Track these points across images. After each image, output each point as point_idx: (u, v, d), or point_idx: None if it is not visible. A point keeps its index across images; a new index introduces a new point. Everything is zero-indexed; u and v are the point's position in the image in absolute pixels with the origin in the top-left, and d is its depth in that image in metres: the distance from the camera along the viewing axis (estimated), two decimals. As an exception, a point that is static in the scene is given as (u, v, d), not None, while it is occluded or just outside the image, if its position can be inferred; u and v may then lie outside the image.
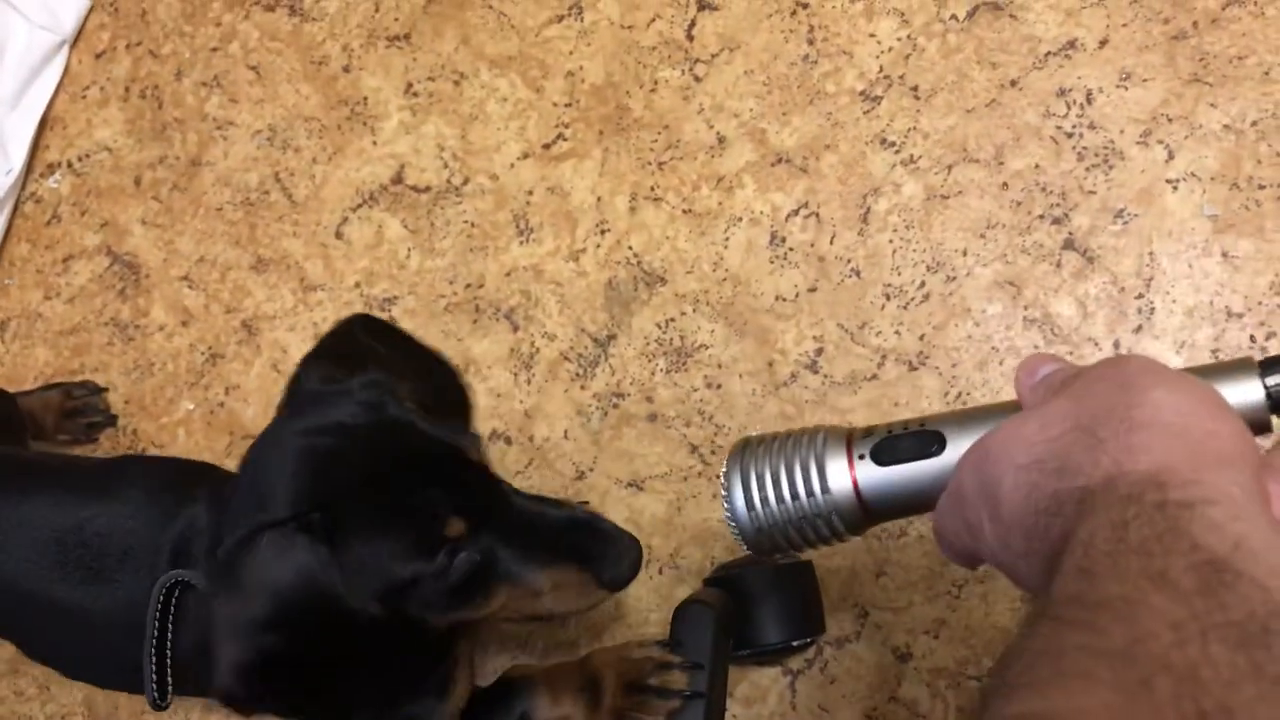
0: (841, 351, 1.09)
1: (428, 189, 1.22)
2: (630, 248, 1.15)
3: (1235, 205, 1.02)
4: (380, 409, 0.77)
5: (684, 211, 1.15)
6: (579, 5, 1.21)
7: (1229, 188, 1.02)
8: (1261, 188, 1.02)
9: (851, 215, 1.10)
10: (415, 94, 1.25)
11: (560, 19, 1.22)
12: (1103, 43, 1.07)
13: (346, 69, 1.27)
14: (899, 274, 1.08)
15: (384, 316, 1.20)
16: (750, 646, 1.00)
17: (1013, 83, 1.09)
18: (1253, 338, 1.00)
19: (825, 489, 0.62)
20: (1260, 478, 0.45)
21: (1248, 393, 0.54)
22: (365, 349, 0.84)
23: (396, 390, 0.79)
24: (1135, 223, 1.04)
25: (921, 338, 1.07)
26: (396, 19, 1.27)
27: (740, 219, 1.13)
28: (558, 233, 1.17)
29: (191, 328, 1.27)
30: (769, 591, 0.99)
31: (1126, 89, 1.06)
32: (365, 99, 1.26)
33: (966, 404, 1.05)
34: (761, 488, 0.63)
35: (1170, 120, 1.05)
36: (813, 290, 1.10)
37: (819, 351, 1.09)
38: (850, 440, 0.62)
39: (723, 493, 0.65)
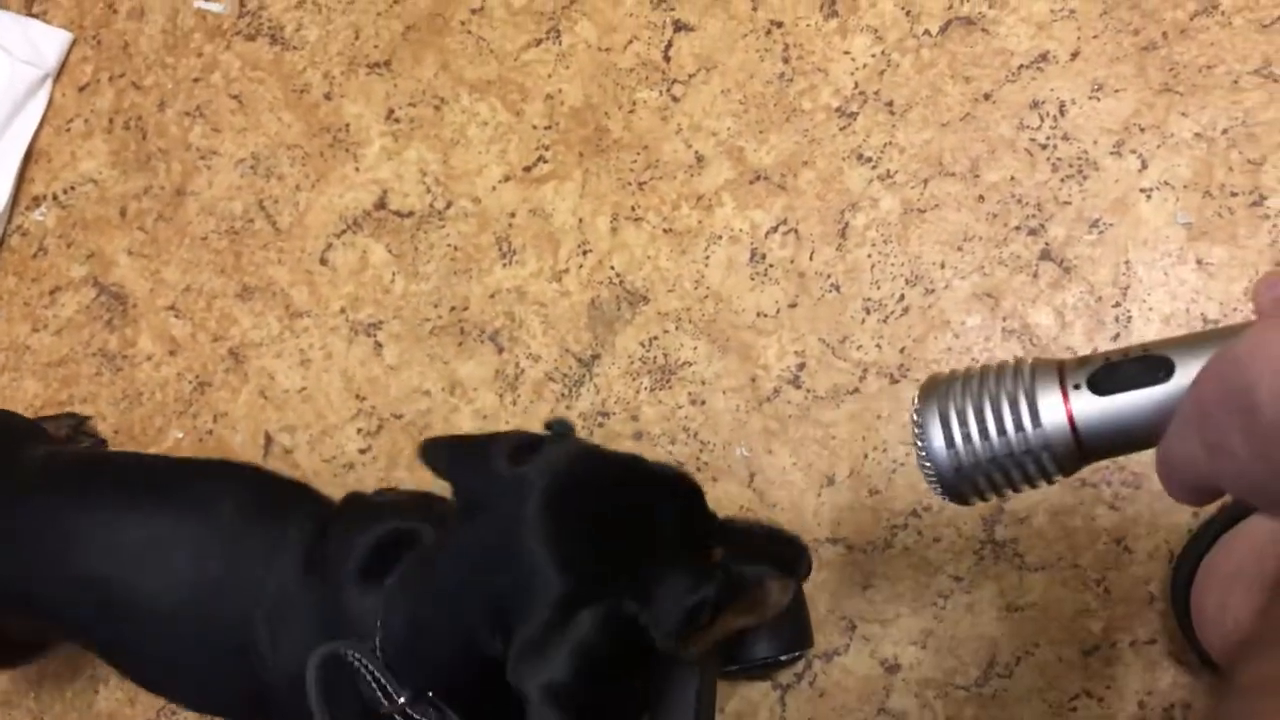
0: (823, 366, 1.09)
1: (411, 213, 1.23)
2: (612, 268, 1.16)
3: (1208, 213, 1.03)
4: (597, 455, 0.78)
5: (665, 231, 1.16)
6: (556, 29, 1.22)
7: (1202, 195, 1.03)
8: (1234, 195, 1.03)
9: (830, 231, 1.11)
10: (396, 120, 1.26)
11: (538, 42, 1.23)
12: (1074, 54, 1.09)
13: (328, 96, 1.28)
14: (878, 288, 1.09)
15: (369, 341, 1.21)
16: (739, 661, 1.01)
17: (986, 96, 1.10)
18: (1229, 343, 1.01)
19: (1037, 422, 0.55)
20: None
21: None
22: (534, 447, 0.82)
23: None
24: (1110, 232, 1.05)
25: (902, 351, 1.08)
26: (376, 46, 1.28)
27: (720, 237, 1.14)
28: (540, 254, 1.18)
29: (179, 357, 1.28)
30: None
31: (1099, 100, 1.07)
32: (347, 126, 1.27)
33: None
34: (964, 423, 0.56)
35: (1142, 130, 1.06)
36: (793, 306, 1.11)
37: (801, 366, 1.10)
38: (1063, 370, 0.56)
39: (915, 430, 0.58)
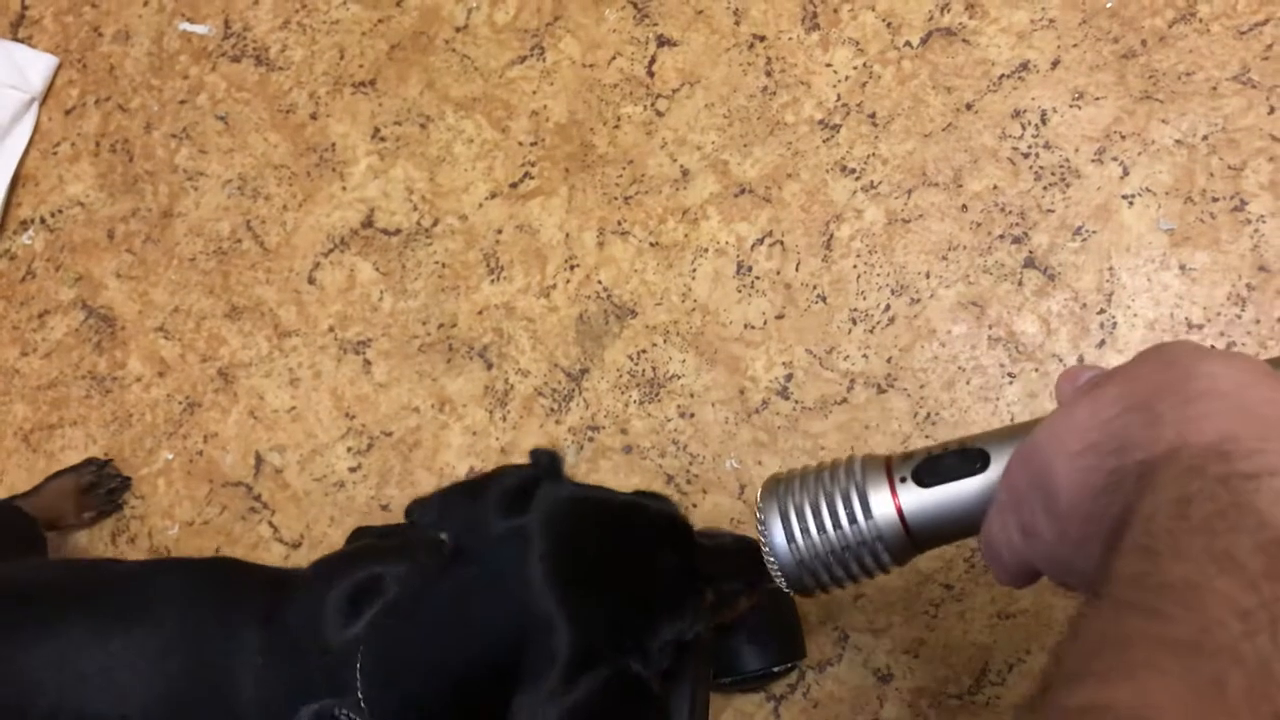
0: (811, 377, 1.10)
1: (398, 231, 1.23)
2: (600, 282, 1.16)
3: (1190, 219, 1.04)
4: (591, 500, 0.80)
5: (651, 245, 1.16)
6: (540, 45, 1.23)
7: (1183, 201, 1.04)
8: (1215, 200, 1.03)
9: (815, 242, 1.12)
10: (382, 138, 1.26)
11: (523, 60, 1.23)
12: (1055, 63, 1.09)
13: (314, 116, 1.29)
14: (864, 298, 1.10)
15: (358, 359, 1.22)
16: (733, 674, 1.01)
17: (968, 106, 1.11)
18: (1213, 348, 1.01)
19: (868, 514, 0.59)
20: None
21: None
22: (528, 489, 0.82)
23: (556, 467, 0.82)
24: (1094, 239, 1.05)
25: (889, 360, 1.08)
26: (361, 65, 1.28)
27: (706, 250, 1.15)
28: (528, 270, 1.19)
29: (168, 378, 1.28)
30: (749, 618, 1.00)
31: (1080, 108, 1.08)
32: (333, 145, 1.27)
33: (935, 424, 1.06)
34: (801, 518, 0.60)
35: (1123, 137, 1.07)
36: (780, 317, 1.11)
37: (789, 377, 1.10)
38: (890, 465, 0.60)
39: (759, 529, 0.61)
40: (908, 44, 1.13)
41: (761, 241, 1.13)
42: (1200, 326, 1.02)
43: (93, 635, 0.86)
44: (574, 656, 0.70)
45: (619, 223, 1.17)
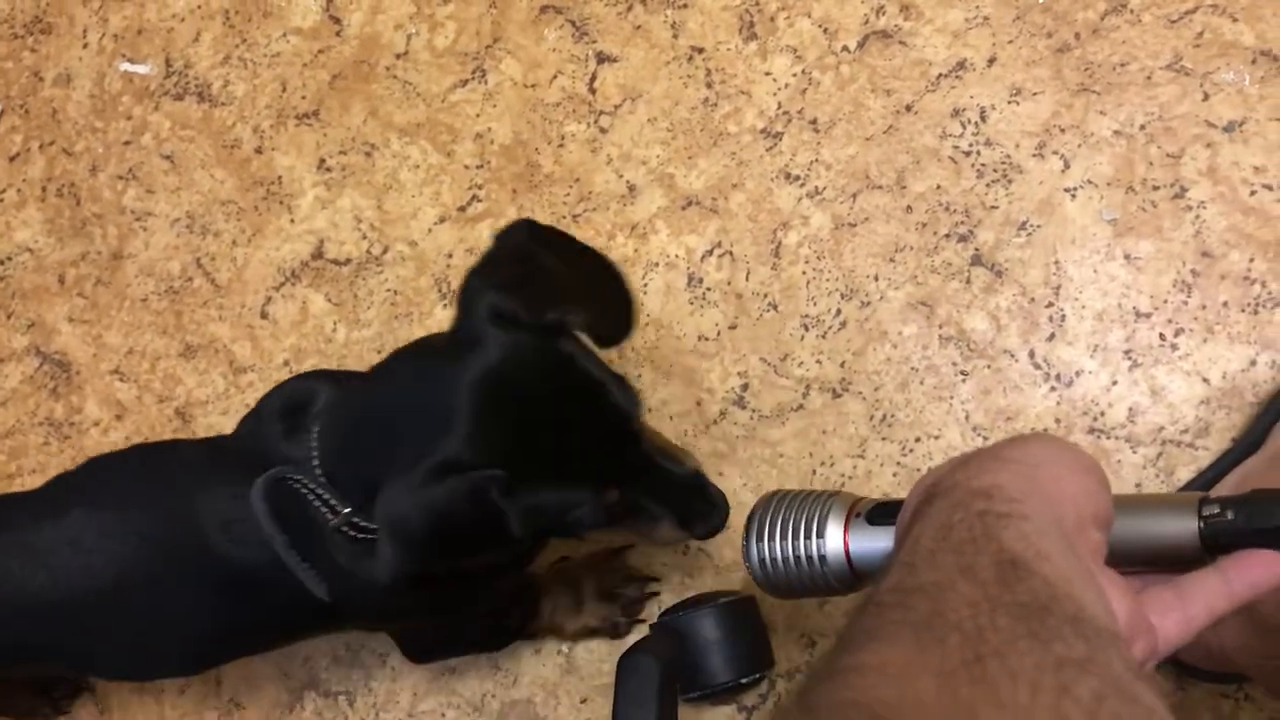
0: (766, 385, 1.10)
1: (348, 261, 1.23)
2: (552, 302, 1.16)
3: (1132, 208, 1.04)
4: (554, 351, 0.79)
5: (601, 261, 1.16)
6: (482, 68, 1.23)
7: (1125, 191, 1.05)
8: (1156, 189, 1.04)
9: (764, 251, 1.12)
10: (328, 169, 1.26)
11: (464, 83, 1.23)
12: (991, 61, 1.10)
13: (259, 150, 1.28)
14: (815, 304, 1.10)
15: (315, 392, 1.21)
16: (701, 688, 1.01)
17: (908, 107, 1.11)
18: (1162, 336, 1.02)
19: (820, 535, 0.70)
20: (1085, 533, 0.53)
21: (1182, 525, 0.59)
22: (536, 267, 0.82)
23: (572, 323, 0.81)
24: (1038, 233, 1.06)
25: (842, 364, 1.08)
26: (304, 97, 1.28)
27: (657, 264, 1.15)
28: (480, 293, 1.18)
29: (126, 420, 1.27)
30: (715, 631, 1.00)
31: (1018, 104, 1.09)
32: (280, 178, 1.27)
33: (891, 425, 1.06)
34: (771, 525, 0.72)
35: (1063, 130, 1.07)
36: (733, 327, 1.12)
37: (745, 387, 1.10)
38: (855, 504, 0.71)
39: (745, 528, 0.75)
40: (845, 49, 1.14)
41: (711, 252, 1.14)
42: (1148, 315, 1.03)
43: (56, 523, 0.92)
44: (448, 459, 0.74)
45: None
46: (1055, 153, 1.07)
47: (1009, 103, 1.09)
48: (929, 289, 1.07)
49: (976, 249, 1.07)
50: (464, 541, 0.78)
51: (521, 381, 0.77)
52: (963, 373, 1.06)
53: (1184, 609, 0.57)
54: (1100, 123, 1.06)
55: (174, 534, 0.89)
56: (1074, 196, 1.06)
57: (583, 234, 1.17)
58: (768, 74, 1.15)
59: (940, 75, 1.11)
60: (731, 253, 1.13)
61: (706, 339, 1.12)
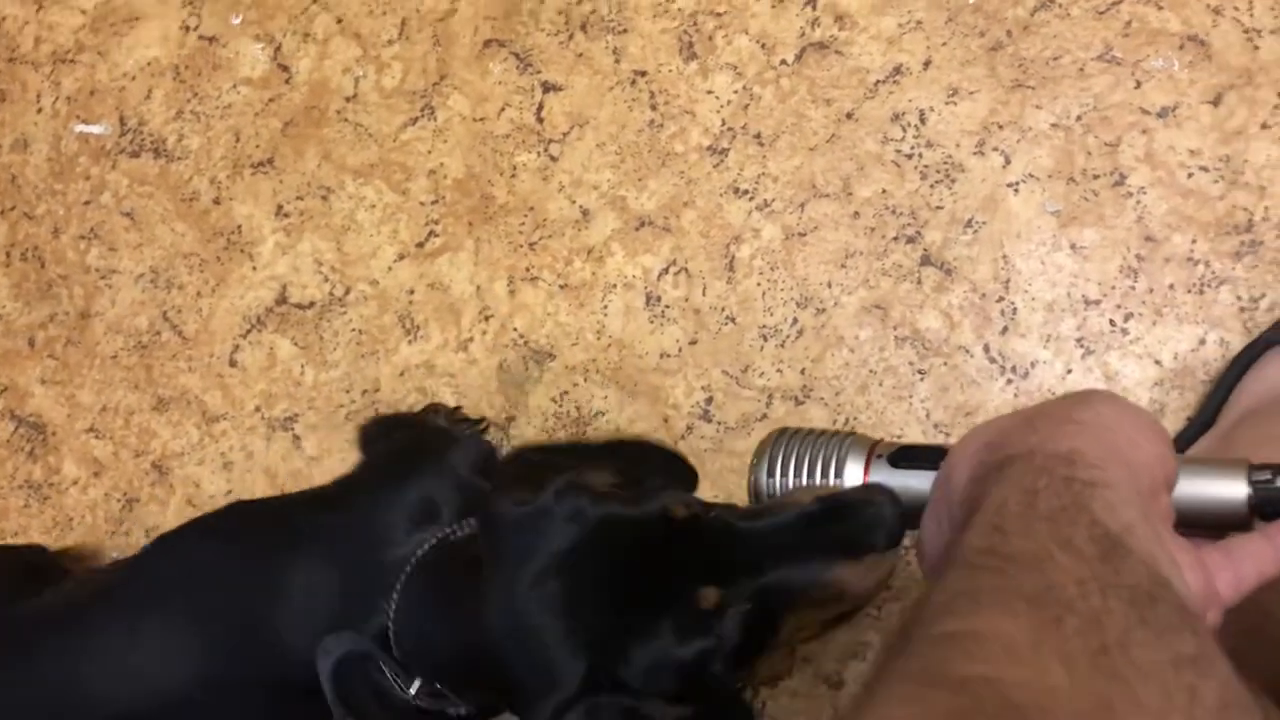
0: (730, 397, 1.11)
1: (312, 304, 1.25)
2: (515, 329, 1.18)
3: (1074, 198, 1.06)
4: (582, 515, 0.73)
5: (561, 287, 1.18)
6: (430, 106, 1.25)
7: (1066, 183, 1.07)
8: (1096, 178, 1.06)
9: (718, 266, 1.14)
10: (286, 215, 1.27)
11: (414, 121, 1.25)
12: (926, 64, 1.12)
13: (217, 201, 1.30)
14: (771, 314, 1.12)
15: (287, 435, 1.22)
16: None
17: (849, 115, 1.13)
18: (1112, 321, 1.04)
19: (839, 475, 0.68)
20: (1159, 498, 0.53)
21: (1231, 490, 0.59)
22: (540, 462, 0.81)
23: (590, 484, 0.76)
24: (985, 230, 1.08)
25: (803, 372, 1.10)
26: (258, 146, 1.29)
27: (615, 286, 1.16)
28: (443, 326, 1.20)
29: (104, 477, 1.28)
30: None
31: (956, 104, 1.11)
32: (239, 227, 1.29)
33: (855, 428, 1.07)
34: (785, 464, 0.70)
35: (1001, 127, 1.09)
36: (694, 343, 1.13)
37: (709, 400, 1.12)
38: (875, 446, 0.69)
39: (751, 462, 0.72)
40: (783, 62, 1.15)
41: (667, 271, 1.15)
42: (1097, 302, 1.04)
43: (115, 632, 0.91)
44: (553, 706, 0.70)
45: (527, 269, 1.19)
46: (995, 149, 1.09)
47: (947, 104, 1.11)
48: (882, 292, 1.09)
49: (925, 249, 1.09)
50: None
51: (568, 565, 0.72)
52: (920, 372, 1.07)
53: (1235, 569, 0.55)
54: (1037, 117, 1.08)
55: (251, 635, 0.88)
56: (1016, 191, 1.08)
57: (539, 261, 1.19)
58: (710, 92, 1.17)
59: (878, 81, 1.13)
60: (687, 270, 1.15)
61: (668, 356, 1.14)
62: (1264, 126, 1.04)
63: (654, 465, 0.87)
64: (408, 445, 1.03)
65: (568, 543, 0.73)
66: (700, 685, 0.71)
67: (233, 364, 1.26)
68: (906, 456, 0.67)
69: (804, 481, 0.69)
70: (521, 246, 1.19)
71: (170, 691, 0.88)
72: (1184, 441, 0.99)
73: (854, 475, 0.68)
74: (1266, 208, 1.02)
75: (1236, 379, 0.97)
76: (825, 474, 0.68)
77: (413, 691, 0.80)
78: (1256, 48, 1.05)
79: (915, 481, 0.65)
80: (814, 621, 0.77)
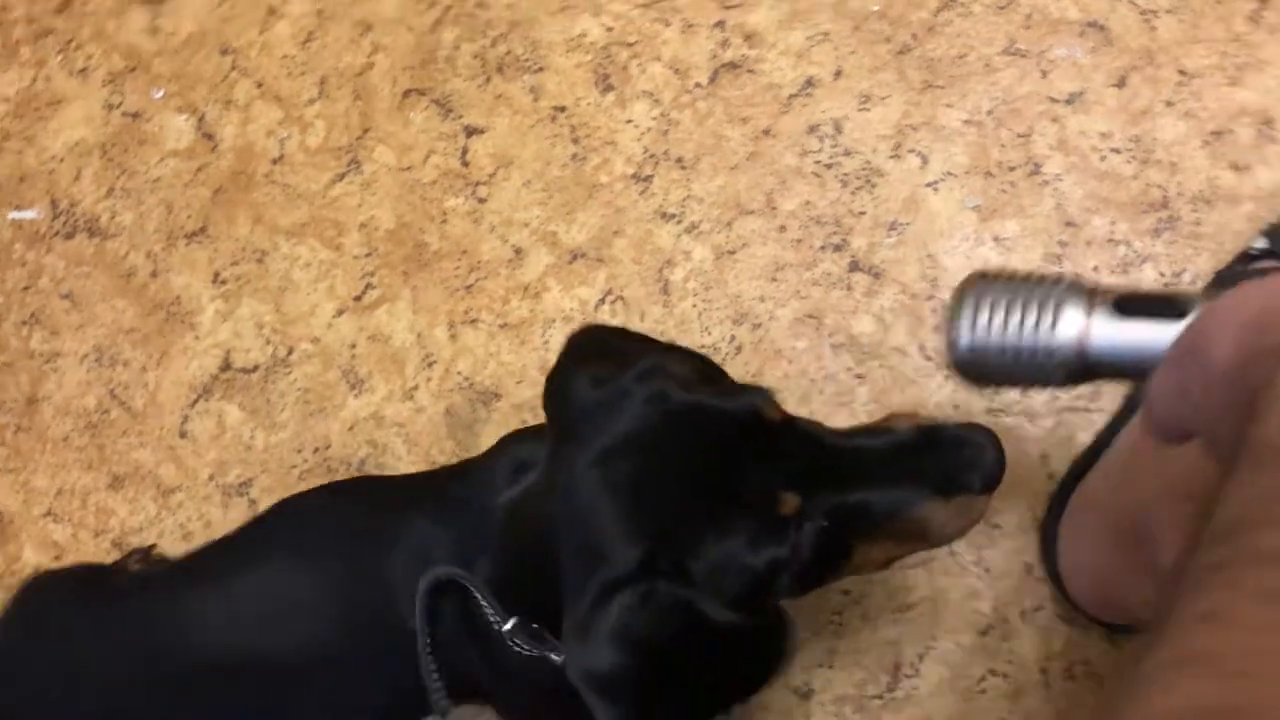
0: (677, 420, 1.12)
1: (256, 368, 1.25)
2: (459, 373, 1.18)
3: (993, 191, 1.08)
4: (665, 399, 0.69)
5: (501, 326, 1.18)
6: (356, 160, 1.26)
7: (983, 177, 1.08)
8: (1011, 169, 1.08)
9: (653, 290, 1.15)
10: (224, 281, 1.28)
11: (342, 176, 1.26)
12: (837, 74, 1.13)
13: (154, 274, 1.30)
14: (709, 333, 1.13)
15: (243, 500, 1.22)
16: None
17: (766, 132, 1.14)
18: (1041, 308, 1.05)
19: (1054, 325, 0.61)
20: None
21: None
22: (616, 345, 0.77)
23: (670, 370, 0.72)
24: (908, 231, 1.09)
25: (745, 388, 1.11)
26: (190, 216, 1.30)
27: (554, 320, 1.17)
28: (388, 377, 1.20)
29: (66, 560, 1.28)
30: None
31: (869, 110, 1.12)
32: (178, 298, 1.29)
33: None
34: (992, 314, 0.63)
35: (915, 129, 1.11)
36: (636, 370, 1.14)
37: (656, 425, 1.12)
38: (1094, 291, 0.62)
39: (948, 311, 0.65)
40: (698, 85, 1.17)
41: (603, 300, 1.16)
42: (1025, 291, 1.05)
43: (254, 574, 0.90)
44: (606, 580, 0.66)
45: (466, 312, 1.20)
46: (911, 151, 1.10)
47: (860, 111, 1.12)
48: (814, 301, 1.10)
49: (853, 256, 1.10)
50: (676, 657, 0.68)
51: (643, 446, 0.69)
52: (859, 376, 1.08)
53: None
54: (949, 115, 1.10)
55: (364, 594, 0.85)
56: (936, 190, 1.09)
57: (477, 303, 1.19)
58: (629, 121, 1.18)
59: (791, 96, 1.14)
60: (623, 298, 1.16)
61: (612, 385, 1.14)
62: (1169, 104, 1.06)
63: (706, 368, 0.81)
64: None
65: (644, 425, 0.69)
66: (760, 595, 0.68)
67: (183, 435, 1.26)
68: (1133, 306, 0.60)
69: (1014, 334, 0.62)
70: (458, 290, 1.20)
71: (309, 635, 0.86)
72: (1122, 420, 1.00)
73: (1072, 324, 0.61)
74: (1179, 183, 1.04)
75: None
76: (1040, 324, 0.61)
77: (507, 626, 0.75)
78: (1154, 28, 1.07)
79: (1144, 332, 0.59)
80: (886, 555, 0.74)
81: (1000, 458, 0.69)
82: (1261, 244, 0.97)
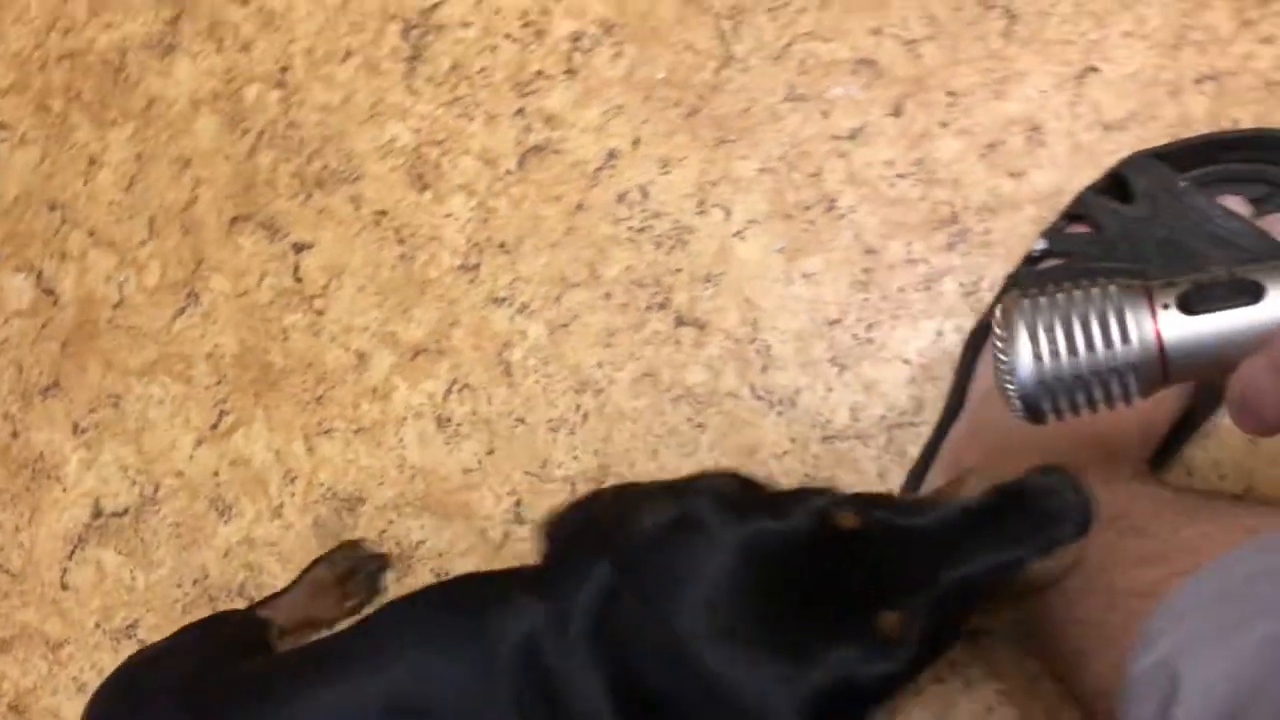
0: (536, 494, 1.16)
1: (126, 510, 1.26)
2: (322, 484, 1.21)
3: (795, 232, 1.13)
4: (725, 535, 0.65)
5: (355, 432, 1.21)
6: (193, 292, 1.28)
7: (784, 220, 1.13)
8: (808, 209, 1.13)
9: (496, 374, 1.18)
10: (83, 430, 1.30)
11: (182, 311, 1.29)
12: (636, 143, 1.19)
13: (15, 435, 1.32)
14: (555, 407, 1.16)
15: (132, 642, 1.24)
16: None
17: (579, 206, 1.19)
18: (856, 335, 1.10)
19: (1125, 339, 0.57)
20: None
21: None
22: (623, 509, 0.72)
23: (722, 487, 0.69)
24: (724, 281, 1.14)
25: (595, 453, 1.15)
26: (41, 372, 1.32)
27: (405, 418, 1.20)
28: (254, 499, 1.23)
29: (-35, 731, 1.28)
30: None
31: (670, 173, 1.17)
32: (41, 454, 1.30)
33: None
34: (1051, 338, 0.58)
35: (715, 184, 1.16)
36: (491, 453, 1.17)
37: (517, 503, 1.16)
38: (1150, 292, 0.58)
39: (998, 345, 0.59)
40: (508, 172, 1.22)
41: (450, 391, 1.20)
42: (839, 321, 1.11)
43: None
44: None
45: (319, 424, 1.22)
46: (715, 205, 1.15)
47: (662, 174, 1.17)
48: (647, 361, 1.15)
49: (676, 312, 1.15)
50: None
51: (732, 593, 0.64)
52: (699, 425, 1.12)
53: None
54: (744, 166, 1.15)
55: None
56: (743, 238, 1.14)
57: (329, 413, 1.22)
58: (449, 215, 1.23)
59: (597, 169, 1.19)
60: (469, 385, 1.19)
61: (470, 471, 1.18)
62: (943, 125, 1.12)
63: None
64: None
65: (716, 563, 0.64)
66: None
67: (64, 587, 1.27)
68: (1200, 299, 0.56)
69: (1083, 359, 0.57)
70: (309, 404, 1.23)
71: None
72: (943, 428, 1.05)
73: (1144, 333, 0.57)
74: (964, 197, 1.10)
75: (972, 360, 1.04)
76: (1110, 342, 0.57)
77: None
78: (919, 55, 1.14)
79: (1216, 322, 0.56)
80: (999, 610, 0.72)
81: (1085, 498, 0.65)
82: (1041, 245, 1.02)
